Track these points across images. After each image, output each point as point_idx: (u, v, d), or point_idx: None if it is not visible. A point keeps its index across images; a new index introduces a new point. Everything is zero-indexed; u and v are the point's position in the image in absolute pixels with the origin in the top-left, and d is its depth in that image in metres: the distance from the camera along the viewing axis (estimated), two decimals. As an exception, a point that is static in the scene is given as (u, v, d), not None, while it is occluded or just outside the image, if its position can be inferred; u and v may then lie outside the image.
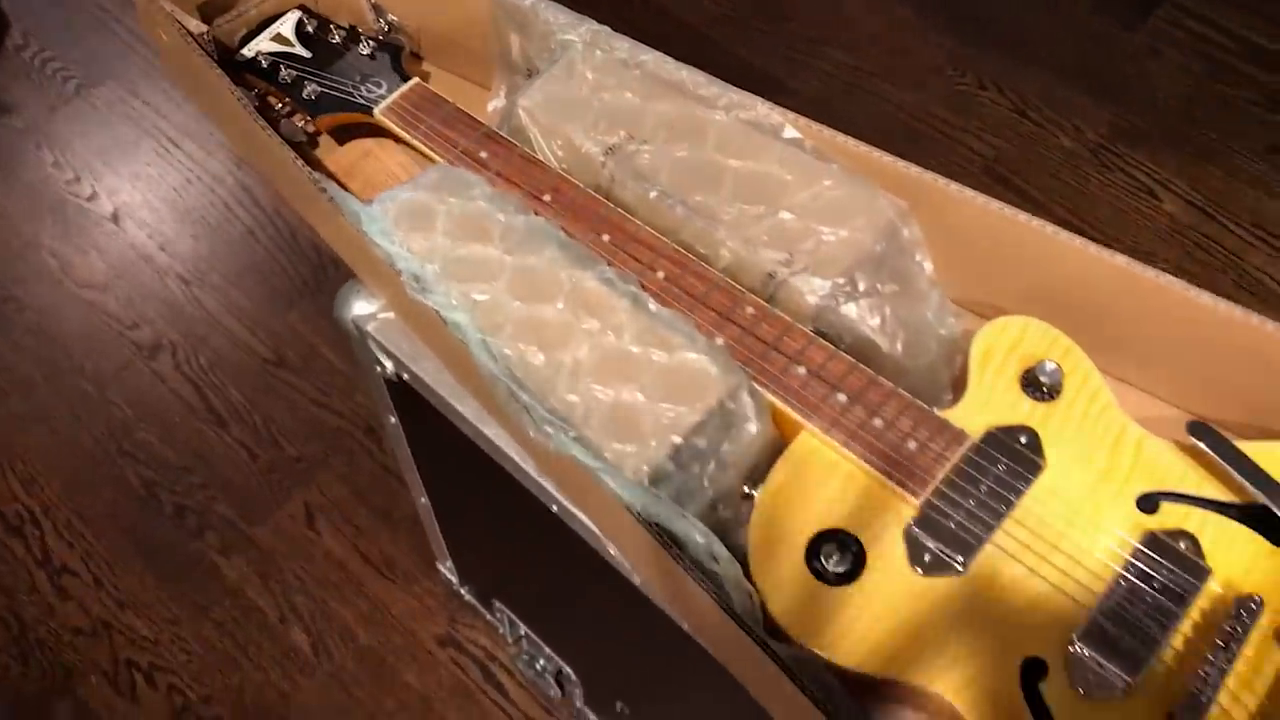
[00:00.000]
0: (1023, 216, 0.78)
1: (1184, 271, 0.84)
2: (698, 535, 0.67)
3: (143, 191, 1.75)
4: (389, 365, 0.89)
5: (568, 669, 1.20)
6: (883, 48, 1.83)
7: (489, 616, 1.30)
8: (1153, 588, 0.67)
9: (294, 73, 0.93)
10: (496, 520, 1.03)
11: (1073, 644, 0.65)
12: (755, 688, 0.70)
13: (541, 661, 1.23)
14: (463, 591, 1.32)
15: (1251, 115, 1.71)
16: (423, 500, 1.16)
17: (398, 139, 0.89)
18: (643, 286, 0.77)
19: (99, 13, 1.98)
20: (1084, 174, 1.65)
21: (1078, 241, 0.77)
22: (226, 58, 0.95)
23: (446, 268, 0.76)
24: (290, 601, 1.36)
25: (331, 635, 1.34)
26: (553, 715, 1.28)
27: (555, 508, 0.81)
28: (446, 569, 1.31)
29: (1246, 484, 0.69)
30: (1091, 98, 1.73)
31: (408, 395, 0.91)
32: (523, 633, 1.24)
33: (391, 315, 0.88)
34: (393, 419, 1.02)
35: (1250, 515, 0.70)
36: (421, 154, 0.88)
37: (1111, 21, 1.83)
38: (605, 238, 0.80)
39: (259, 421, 1.50)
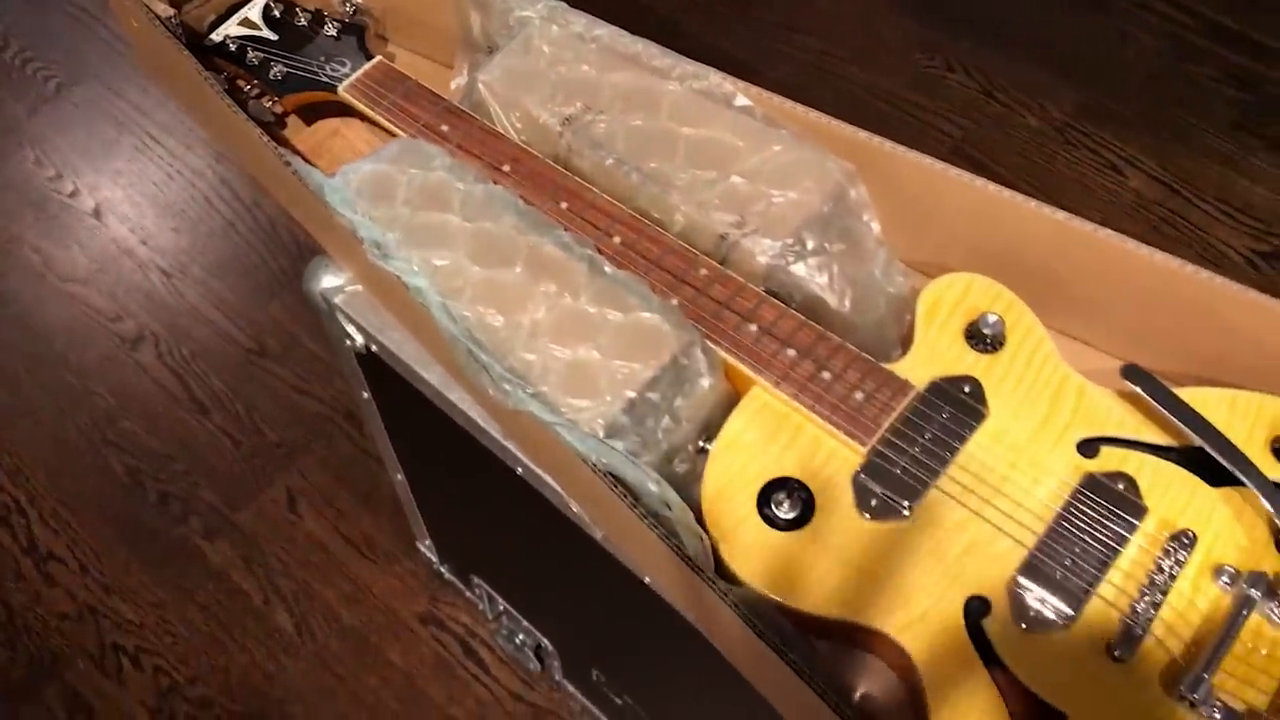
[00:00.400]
0: (965, 176, 0.80)
1: (1150, 245, 0.86)
2: (651, 484, 0.69)
3: (124, 187, 1.77)
4: (358, 338, 0.91)
5: (545, 642, 1.22)
6: (852, 33, 1.85)
7: (468, 593, 1.32)
8: (1091, 526, 0.69)
9: (261, 55, 0.95)
10: (469, 492, 1.05)
11: (1014, 582, 0.68)
12: (708, 629, 0.72)
13: (521, 636, 1.26)
14: (442, 570, 1.34)
15: (1217, 93, 1.74)
16: (399, 477, 1.18)
17: (362, 116, 0.92)
18: (600, 251, 0.79)
19: (78, 13, 2.00)
20: (1051, 152, 1.68)
21: (1019, 199, 0.79)
22: (195, 43, 0.97)
23: (407, 235, 0.78)
24: (273, 584, 1.38)
25: (314, 616, 1.36)
26: (533, 688, 1.30)
27: (520, 470, 0.83)
28: (426, 547, 1.33)
29: (1182, 426, 0.71)
30: (1058, 78, 1.76)
31: (377, 368, 0.94)
32: (501, 608, 1.26)
33: (359, 288, 0.90)
34: (365, 394, 1.04)
35: (1187, 457, 0.73)
36: (385, 130, 0.90)
37: (1079, 3, 1.86)
38: (563, 205, 0.82)
39: (241, 409, 1.52)
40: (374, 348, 0.90)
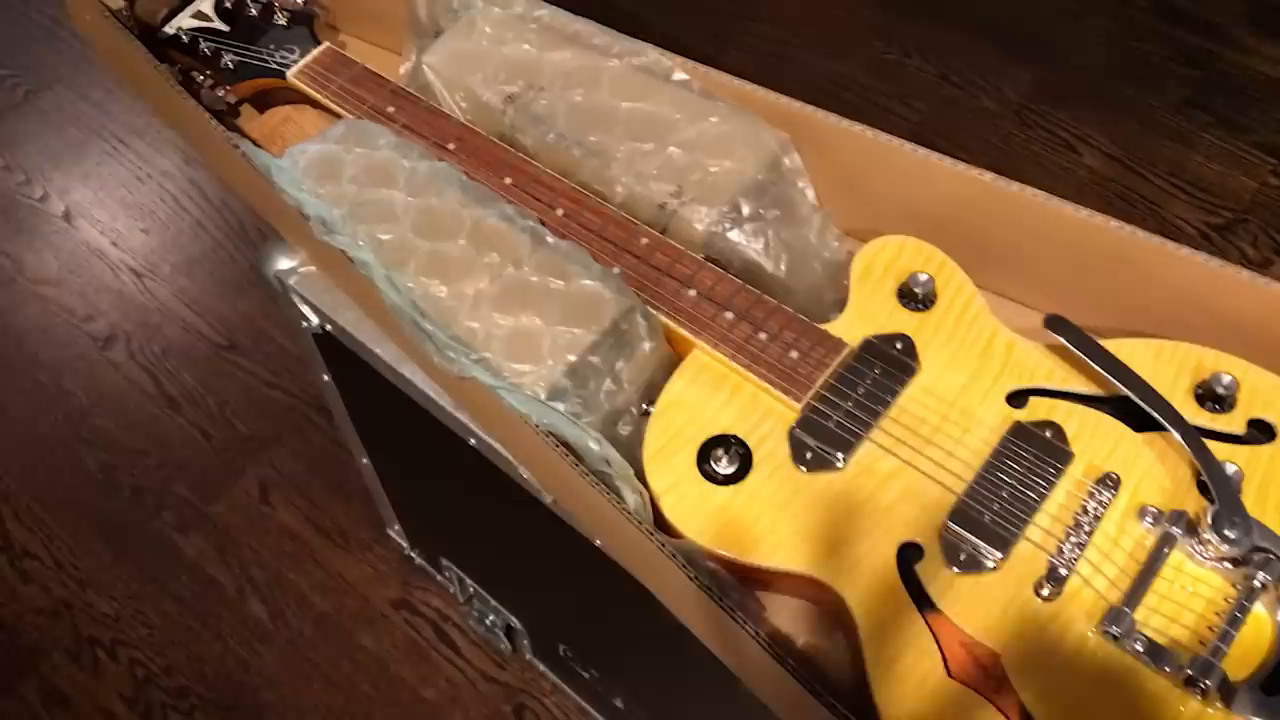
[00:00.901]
0: (895, 142, 0.82)
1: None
2: (591, 442, 0.71)
3: (93, 190, 1.78)
4: (313, 318, 0.93)
5: (515, 621, 1.24)
6: (809, 22, 1.88)
7: (439, 577, 1.34)
8: (1019, 472, 0.71)
9: (213, 45, 0.97)
10: (430, 471, 1.07)
11: (945, 527, 0.70)
12: (649, 580, 0.74)
13: (491, 617, 1.28)
14: (413, 555, 1.36)
15: (1168, 71, 1.77)
16: (364, 461, 1.20)
17: (311, 101, 0.94)
18: (543, 223, 0.81)
19: (44, 21, 2.02)
20: (1007, 133, 1.71)
21: (947, 161, 0.81)
22: (149, 36, 0.99)
23: (353, 211, 0.80)
24: (247, 574, 1.40)
25: (288, 604, 1.38)
26: (505, 668, 1.32)
27: (473, 441, 0.85)
28: (396, 533, 1.35)
29: (1106, 375, 0.73)
30: (1012, 61, 1.79)
31: (334, 348, 0.96)
32: (471, 590, 1.28)
33: (313, 269, 0.92)
34: (325, 376, 1.06)
35: (1113, 405, 0.75)
36: (334, 114, 0.92)
37: (1032, -14, 1.89)
38: (507, 180, 0.84)
39: (213, 404, 1.54)
40: (329, 327, 0.92)
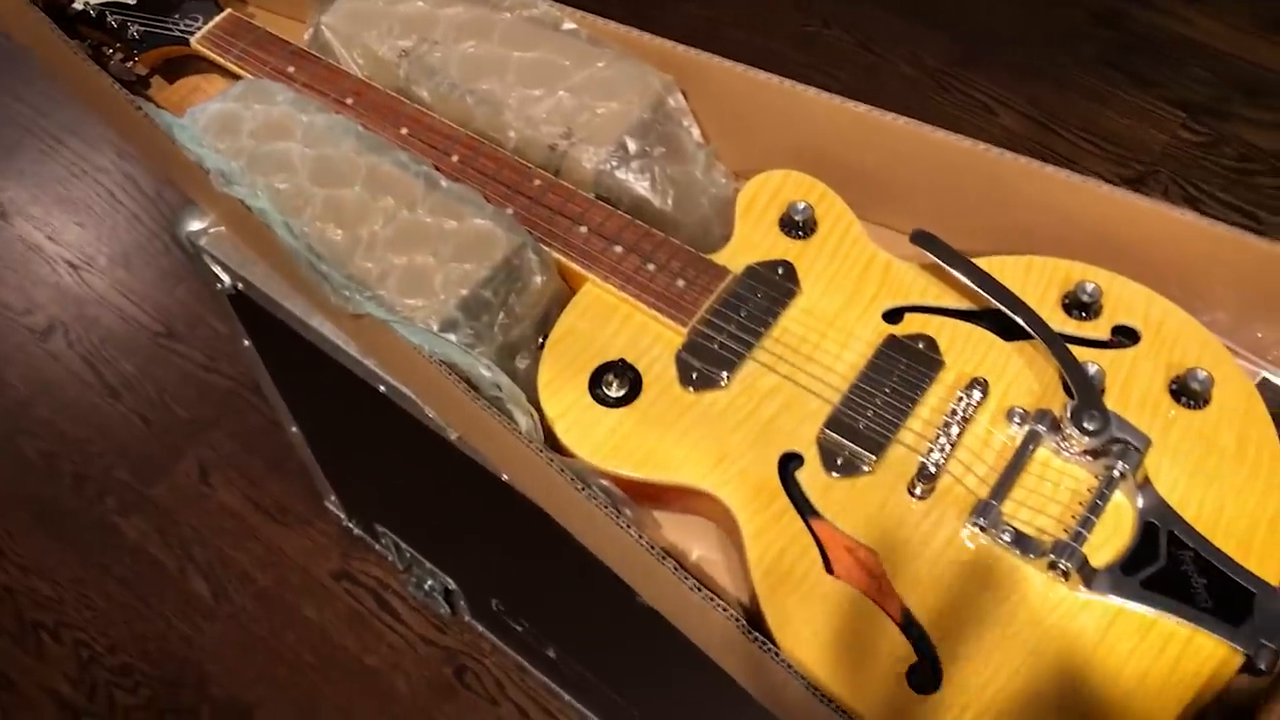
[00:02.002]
0: (774, 79, 0.86)
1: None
2: (482, 368, 0.74)
3: (28, 188, 1.80)
4: (225, 277, 0.95)
5: (450, 581, 1.27)
6: (734, -2, 1.92)
7: (377, 546, 1.36)
8: (891, 380, 0.75)
9: (120, 18, 0.99)
10: (351, 429, 1.09)
11: (822, 434, 0.73)
12: (547, 502, 0.77)
13: (430, 582, 1.30)
14: (351, 526, 1.38)
15: (1080, 32, 1.81)
16: (294, 429, 1.22)
17: (215, 66, 0.96)
18: (438, 169, 0.84)
19: (-23, 24, 2.02)
20: (926, 97, 1.74)
21: (824, 96, 0.85)
22: (59, 12, 1.01)
23: (251, 163, 0.83)
24: (189, 553, 1.42)
25: (230, 580, 1.40)
26: (445, 632, 1.34)
27: (383, 387, 0.88)
28: (333, 504, 1.37)
29: (977, 289, 0.77)
30: (929, 27, 1.83)
31: (249, 309, 0.98)
32: (409, 556, 1.30)
33: (223, 230, 0.94)
34: (246, 342, 1.08)
35: (985, 318, 0.78)
36: (238, 78, 0.94)
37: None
38: (404, 130, 0.87)
39: (151, 390, 1.55)
40: (240, 285, 0.95)
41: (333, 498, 1.35)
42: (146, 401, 1.54)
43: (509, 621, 1.20)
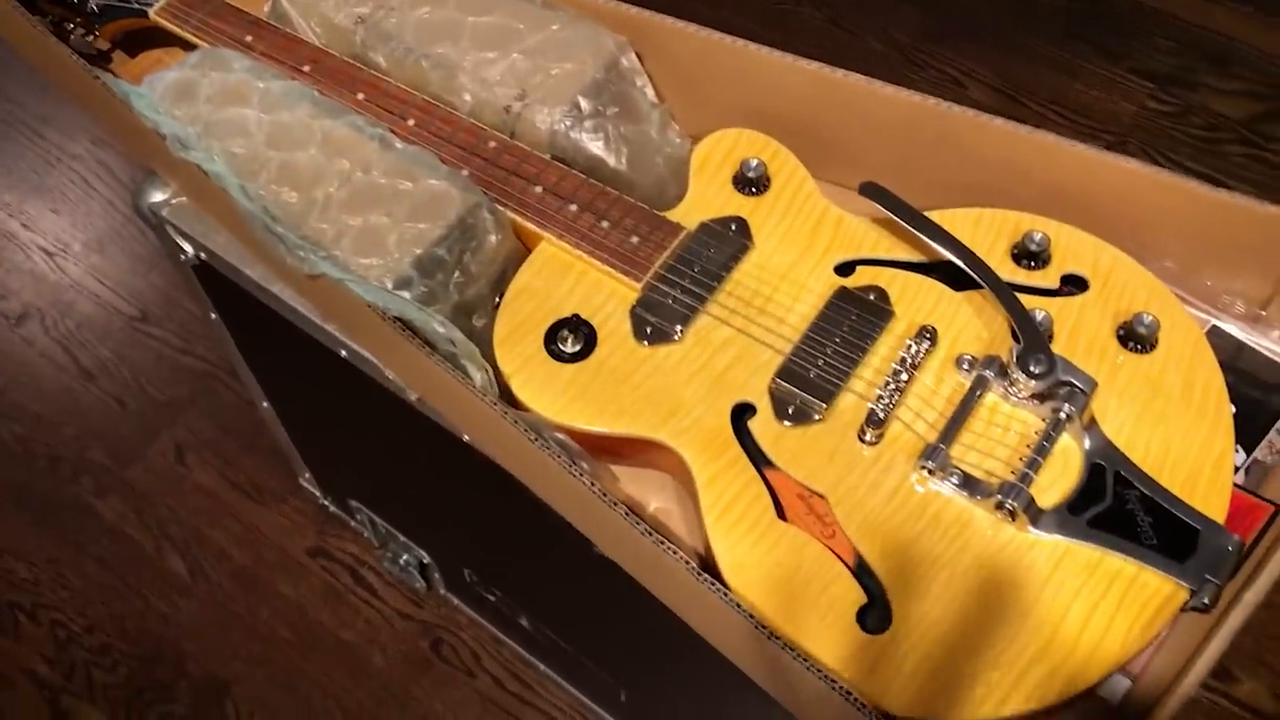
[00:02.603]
0: (729, 39, 0.86)
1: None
2: (436, 324, 0.74)
3: (3, 175, 1.80)
4: (188, 248, 0.96)
5: (424, 555, 1.28)
6: (704, -24, 1.92)
7: (352, 522, 1.37)
8: (842, 330, 0.76)
9: (80, -8, 0.99)
10: (318, 399, 1.10)
11: (774, 384, 0.74)
12: (504, 458, 0.78)
13: (405, 557, 1.31)
14: (326, 503, 1.39)
15: (1049, 6, 1.82)
16: (265, 405, 1.23)
17: (174, 38, 0.96)
18: (395, 133, 0.85)
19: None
20: (897, 72, 1.75)
21: (775, 54, 0.86)
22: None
23: (207, 129, 0.83)
24: (165, 533, 1.42)
25: (207, 559, 1.40)
26: (421, 606, 1.35)
27: (344, 352, 0.89)
28: (308, 481, 1.37)
29: (921, 236, 0.78)
30: (899, 3, 1.84)
31: (213, 280, 0.98)
32: (384, 531, 1.31)
33: (185, 200, 0.95)
34: (213, 315, 1.09)
35: (936, 269, 0.79)
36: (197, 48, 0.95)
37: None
38: (360, 96, 0.87)
39: (127, 373, 1.56)
40: (203, 255, 0.95)
41: (307, 475, 1.36)
42: (122, 384, 1.55)
43: (482, 592, 1.21)
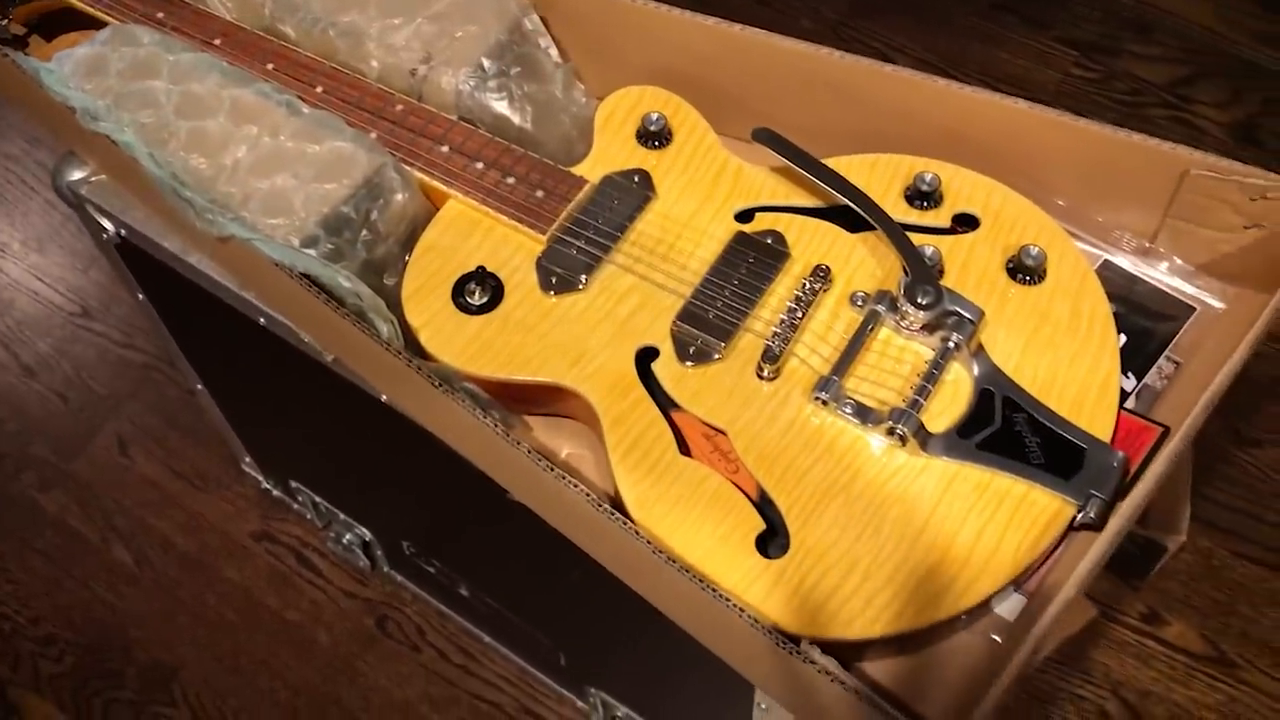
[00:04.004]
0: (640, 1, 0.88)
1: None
2: (342, 279, 0.76)
3: (-61, 180, 1.80)
4: (109, 226, 0.97)
5: (365, 531, 1.29)
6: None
7: (295, 505, 1.38)
8: (740, 273, 0.78)
9: (-8, -24, 1.00)
10: (247, 373, 1.11)
11: (675, 326, 0.76)
12: (416, 410, 0.79)
13: (348, 536, 1.32)
14: (269, 487, 1.40)
15: (976, -22, 1.85)
16: (199, 387, 1.23)
17: (88, 16, 0.98)
18: (304, 100, 0.86)
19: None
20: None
21: (675, 11, 0.88)
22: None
23: (117, 101, 0.85)
24: (110, 523, 1.43)
25: (152, 547, 1.41)
26: (366, 585, 1.36)
27: (263, 319, 0.90)
28: (249, 466, 1.38)
29: (814, 179, 0.80)
30: (828, -20, 1.86)
31: (136, 257, 0.99)
32: (324, 510, 1.32)
33: (104, 178, 0.96)
34: (140, 296, 1.10)
35: (832, 214, 0.82)
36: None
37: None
38: (270, 66, 0.89)
39: (69, 368, 1.56)
40: (124, 232, 0.96)
41: (248, 459, 1.37)
42: (63, 379, 1.55)
43: (422, 564, 1.22)
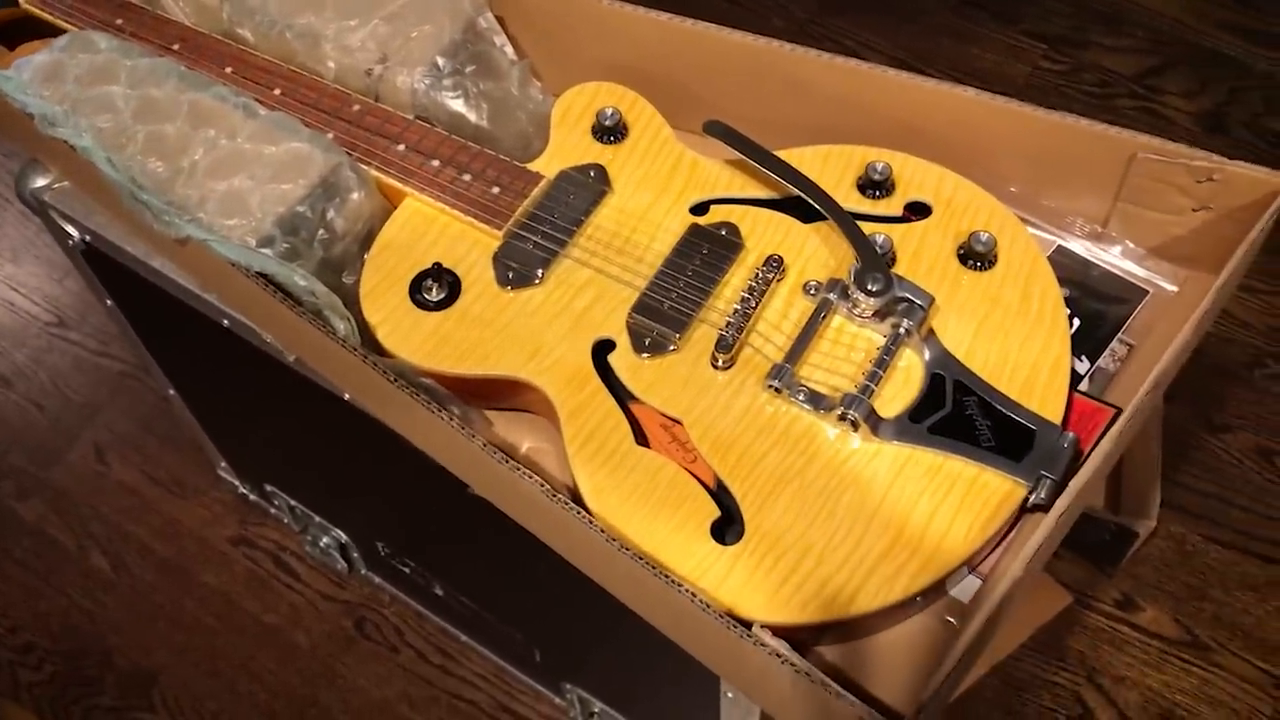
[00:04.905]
0: (592, -4, 0.89)
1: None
2: (298, 278, 0.77)
3: (-87, 193, 1.80)
4: (74, 232, 0.98)
5: (341, 534, 1.29)
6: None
7: (272, 510, 1.38)
8: (694, 264, 0.78)
9: (-49, -14, 1.01)
10: (216, 377, 1.11)
11: (631, 318, 0.77)
12: (376, 407, 0.80)
13: (325, 539, 1.32)
14: (246, 492, 1.40)
15: (944, -26, 1.87)
16: (171, 392, 1.24)
17: (47, 24, 0.98)
18: (261, 103, 0.87)
19: None
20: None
21: (629, 8, 0.88)
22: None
23: (76, 107, 0.85)
24: (88, 531, 1.43)
25: (130, 554, 1.41)
26: (344, 587, 1.36)
27: (226, 322, 0.90)
28: (225, 471, 1.39)
29: (767, 171, 0.80)
30: (798, -22, 1.87)
31: (102, 262, 1.00)
32: (300, 513, 1.32)
33: (68, 184, 0.96)
34: (109, 302, 1.10)
35: (785, 205, 0.82)
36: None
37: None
38: (228, 70, 0.89)
39: (45, 378, 1.56)
40: (89, 238, 0.97)
41: (224, 464, 1.37)
42: (40, 389, 1.55)
43: (397, 565, 1.23)
